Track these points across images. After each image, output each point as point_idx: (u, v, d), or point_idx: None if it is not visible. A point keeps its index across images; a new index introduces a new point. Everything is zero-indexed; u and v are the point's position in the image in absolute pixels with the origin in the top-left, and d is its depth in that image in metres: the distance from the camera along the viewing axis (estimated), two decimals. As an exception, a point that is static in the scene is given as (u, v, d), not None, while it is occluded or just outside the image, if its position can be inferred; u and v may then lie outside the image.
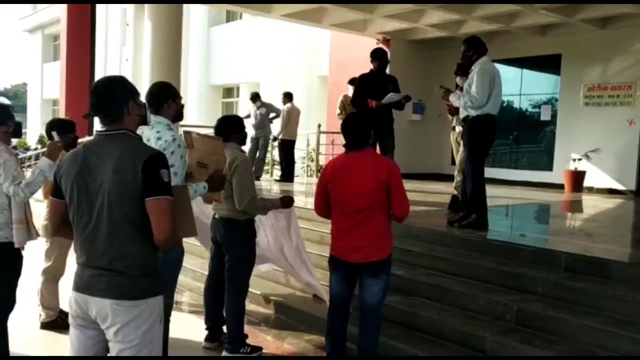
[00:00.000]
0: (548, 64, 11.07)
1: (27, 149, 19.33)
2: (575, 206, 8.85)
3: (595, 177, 10.15)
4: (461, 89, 6.26)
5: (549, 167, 11.08)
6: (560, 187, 10.29)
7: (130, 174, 2.21)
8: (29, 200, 3.69)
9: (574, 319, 3.82)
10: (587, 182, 10.15)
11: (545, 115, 11.26)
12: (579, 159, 10.03)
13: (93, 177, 2.26)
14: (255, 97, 10.55)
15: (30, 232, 3.68)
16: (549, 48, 10.72)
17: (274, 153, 11.88)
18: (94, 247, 2.27)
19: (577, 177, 10.10)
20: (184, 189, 3.08)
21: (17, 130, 3.77)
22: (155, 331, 2.35)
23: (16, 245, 3.57)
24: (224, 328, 4.36)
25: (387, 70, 7.09)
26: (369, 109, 6.43)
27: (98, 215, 2.25)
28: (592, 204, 8.79)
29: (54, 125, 4.25)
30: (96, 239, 2.27)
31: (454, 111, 6.40)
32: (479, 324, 4.08)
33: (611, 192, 10.01)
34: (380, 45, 6.98)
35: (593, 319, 3.79)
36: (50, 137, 4.03)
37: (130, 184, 2.22)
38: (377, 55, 6.73)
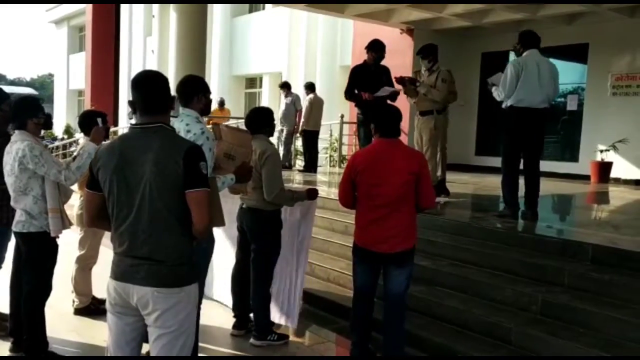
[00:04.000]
0: (575, 53, 10.89)
1: (55, 139, 19.68)
2: (602, 197, 8.75)
3: (622, 168, 10.00)
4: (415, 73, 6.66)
5: (574, 158, 10.94)
6: (586, 178, 10.16)
7: (172, 165, 2.28)
8: (61, 189, 3.80)
9: (601, 311, 3.82)
10: (613, 173, 10.00)
11: (572, 105, 11.11)
12: (606, 150, 9.89)
13: (133, 170, 2.32)
14: (285, 86, 10.74)
15: (64, 221, 3.78)
16: (576, 37, 10.55)
17: (297, 143, 11.94)
18: (134, 237, 2.34)
19: (604, 168, 9.96)
20: (212, 180, 3.15)
21: (47, 122, 3.88)
22: (192, 318, 2.43)
23: (52, 234, 3.68)
24: (252, 316, 4.44)
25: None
26: (362, 101, 6.44)
27: (139, 207, 2.32)
28: (619, 196, 8.67)
29: (86, 117, 4.35)
30: (137, 229, 2.33)
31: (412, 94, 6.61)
32: (504, 315, 4.10)
33: (638, 183, 9.85)
34: (378, 38, 6.98)
35: (621, 311, 3.77)
36: (94, 123, 4.11)
37: (171, 175, 2.28)
38: (374, 48, 6.73)
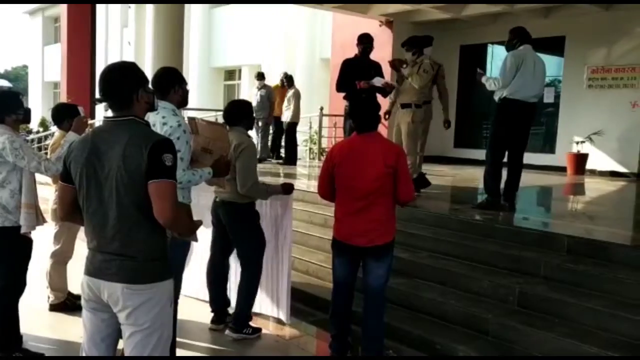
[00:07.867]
0: (551, 45, 10.98)
1: (30, 132, 19.27)
2: (578, 189, 8.88)
3: (598, 160, 10.15)
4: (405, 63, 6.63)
5: (551, 149, 11.07)
6: (562, 170, 10.30)
7: (137, 160, 2.22)
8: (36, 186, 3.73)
9: (576, 302, 3.87)
10: (589, 165, 10.16)
11: (548, 98, 11.20)
12: (582, 142, 10.03)
13: (102, 164, 2.28)
14: (260, 77, 10.69)
15: (38, 218, 3.72)
16: (553, 30, 10.63)
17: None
18: (104, 232, 2.30)
19: (580, 160, 10.10)
20: (188, 207, 3.23)
21: (27, 116, 3.82)
22: (166, 314, 2.39)
23: (23, 230, 3.61)
24: (229, 310, 4.42)
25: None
26: (353, 92, 6.45)
27: (107, 202, 2.28)
28: (594, 187, 8.81)
29: (59, 110, 4.28)
30: (106, 224, 2.29)
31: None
32: (482, 306, 4.13)
33: (613, 174, 10.01)
34: (367, 32, 7.03)
35: (595, 302, 3.83)
36: (67, 116, 4.04)
37: (137, 170, 2.23)
38: (363, 40, 6.81)
